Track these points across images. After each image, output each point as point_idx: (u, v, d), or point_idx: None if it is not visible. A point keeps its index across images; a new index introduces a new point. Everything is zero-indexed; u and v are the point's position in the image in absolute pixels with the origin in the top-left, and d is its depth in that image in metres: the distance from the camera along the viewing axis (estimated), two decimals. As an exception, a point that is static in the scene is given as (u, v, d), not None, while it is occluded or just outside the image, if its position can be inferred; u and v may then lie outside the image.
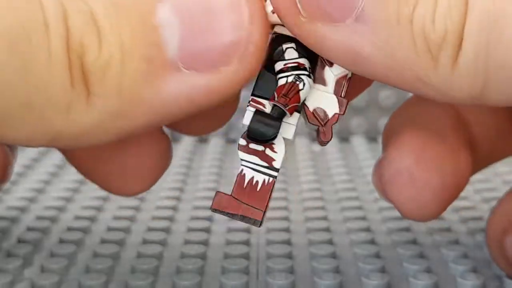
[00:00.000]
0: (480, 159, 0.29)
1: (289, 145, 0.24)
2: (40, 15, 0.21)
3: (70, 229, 0.33)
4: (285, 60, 0.24)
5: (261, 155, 0.24)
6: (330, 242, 0.32)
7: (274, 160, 0.24)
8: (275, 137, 0.24)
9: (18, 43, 0.21)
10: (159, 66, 0.22)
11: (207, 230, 0.33)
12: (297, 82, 0.23)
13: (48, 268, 0.29)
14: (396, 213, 0.35)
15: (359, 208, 0.37)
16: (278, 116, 0.24)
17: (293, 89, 0.23)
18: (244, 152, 0.24)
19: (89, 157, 0.27)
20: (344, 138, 0.51)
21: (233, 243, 0.32)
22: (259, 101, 0.24)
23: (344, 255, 0.31)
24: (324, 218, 0.35)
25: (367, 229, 0.34)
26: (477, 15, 0.21)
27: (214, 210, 0.24)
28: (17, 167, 0.42)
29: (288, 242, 0.32)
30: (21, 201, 0.37)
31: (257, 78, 0.24)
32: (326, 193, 0.39)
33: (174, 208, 0.36)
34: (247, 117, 0.24)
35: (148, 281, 0.28)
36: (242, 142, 0.24)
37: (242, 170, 0.24)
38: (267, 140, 0.24)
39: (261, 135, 0.24)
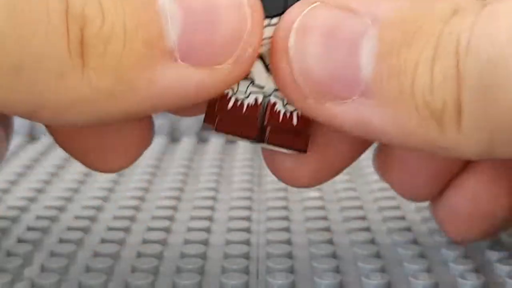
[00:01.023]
0: None
1: None
2: None
3: (70, 228, 0.33)
4: None
5: None
6: (330, 242, 0.32)
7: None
8: None
9: (15, 7, 0.21)
10: (157, 53, 0.22)
11: (207, 230, 0.33)
12: None
13: (48, 268, 0.29)
14: (396, 213, 0.35)
15: (359, 208, 0.37)
16: None
17: None
18: None
19: (69, 130, 0.26)
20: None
21: (233, 242, 0.32)
22: None
23: (344, 255, 0.31)
24: (324, 218, 0.35)
25: (367, 229, 0.34)
26: (470, 85, 0.22)
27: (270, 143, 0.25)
28: (17, 167, 0.42)
29: (288, 242, 0.32)
30: (21, 201, 0.37)
31: None
32: (326, 193, 0.39)
33: (174, 208, 0.36)
34: None
35: (148, 281, 0.28)
36: None
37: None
38: None
39: None
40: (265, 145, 0.26)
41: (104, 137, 0.26)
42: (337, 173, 0.28)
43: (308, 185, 0.28)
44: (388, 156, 0.29)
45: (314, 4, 0.24)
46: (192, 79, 0.23)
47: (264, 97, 0.25)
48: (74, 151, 0.27)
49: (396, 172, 0.29)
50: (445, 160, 0.28)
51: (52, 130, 0.27)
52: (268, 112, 0.25)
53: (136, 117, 0.24)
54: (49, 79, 0.21)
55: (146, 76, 0.22)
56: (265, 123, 0.25)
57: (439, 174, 0.29)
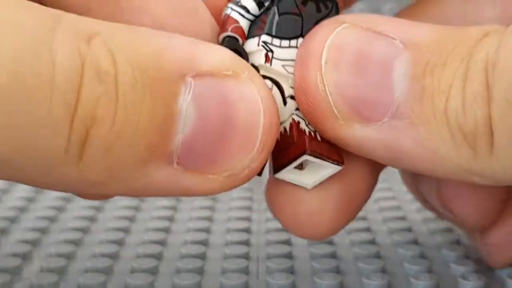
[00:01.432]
0: None
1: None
2: (46, 72, 0.19)
3: (69, 229, 0.33)
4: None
5: None
6: (330, 242, 0.32)
7: None
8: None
9: (13, 95, 0.19)
10: (157, 156, 0.21)
11: (207, 230, 0.33)
12: None
13: (47, 268, 0.29)
14: (397, 213, 0.35)
15: (359, 208, 0.37)
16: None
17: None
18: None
19: None
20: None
21: (233, 243, 0.32)
22: None
23: (345, 255, 0.31)
24: (325, 219, 0.35)
25: (368, 229, 0.34)
26: (499, 102, 0.21)
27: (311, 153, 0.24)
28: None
29: (288, 242, 0.32)
30: (21, 201, 0.37)
31: None
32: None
33: (173, 208, 0.36)
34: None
35: (148, 281, 0.28)
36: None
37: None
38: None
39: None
40: (306, 158, 0.24)
41: None
42: (358, 211, 0.27)
43: (326, 233, 0.26)
44: (449, 186, 0.28)
45: (345, 25, 0.23)
46: (182, 182, 0.22)
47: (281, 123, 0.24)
48: None
49: (460, 202, 0.27)
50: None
51: None
52: (295, 130, 0.24)
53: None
54: (38, 174, 0.20)
55: (139, 174, 0.21)
56: (295, 140, 0.24)
57: (496, 199, 0.27)
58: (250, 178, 0.22)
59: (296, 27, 0.24)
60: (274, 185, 0.25)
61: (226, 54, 0.22)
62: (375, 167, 0.26)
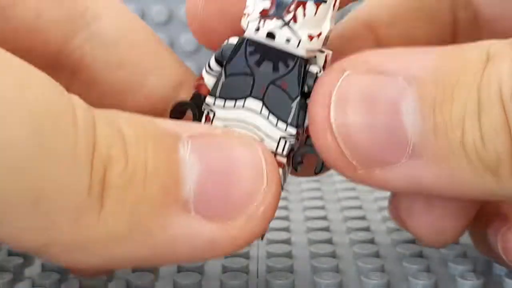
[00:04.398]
0: None
1: None
2: (70, 114, 0.20)
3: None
4: None
5: None
6: (330, 241, 0.32)
7: None
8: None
9: (43, 135, 0.20)
10: (172, 201, 0.22)
11: (207, 230, 0.33)
12: None
13: (49, 267, 0.29)
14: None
15: (359, 207, 0.37)
16: None
17: None
18: None
19: None
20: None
21: (233, 242, 0.32)
22: None
23: (344, 254, 0.31)
24: (324, 218, 0.35)
25: (367, 229, 0.34)
26: None
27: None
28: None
29: (288, 242, 0.32)
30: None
31: None
32: (326, 192, 0.39)
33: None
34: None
35: (149, 280, 0.28)
36: None
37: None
38: None
39: None
40: None
41: None
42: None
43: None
44: (409, 201, 0.28)
45: (346, 73, 0.23)
46: (203, 233, 0.22)
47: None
48: None
49: (420, 217, 0.27)
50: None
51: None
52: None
53: (145, 266, 0.24)
54: (64, 216, 0.20)
55: (160, 223, 0.22)
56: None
57: (466, 211, 0.27)
58: (269, 216, 0.23)
59: (245, 87, 0.24)
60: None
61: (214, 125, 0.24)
62: None
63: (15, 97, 0.20)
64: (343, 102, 0.23)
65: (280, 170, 0.24)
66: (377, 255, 0.31)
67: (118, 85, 0.26)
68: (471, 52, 0.22)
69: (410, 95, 0.22)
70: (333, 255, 0.31)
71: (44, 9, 0.25)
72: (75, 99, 0.21)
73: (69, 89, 0.25)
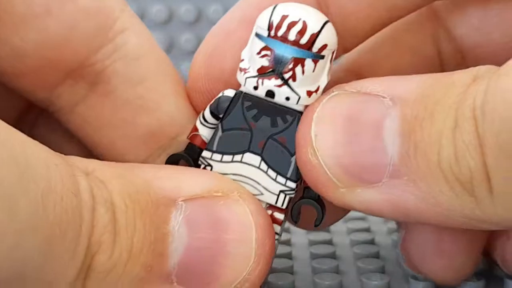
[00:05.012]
0: None
1: None
2: (78, 211, 0.20)
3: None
4: None
5: None
6: (330, 242, 0.32)
7: None
8: None
9: (52, 237, 0.20)
10: (156, 276, 0.22)
11: (207, 230, 0.33)
12: None
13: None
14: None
15: (359, 208, 0.37)
16: None
17: None
18: None
19: None
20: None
21: (233, 243, 0.32)
22: None
23: (344, 255, 0.31)
24: (324, 219, 0.35)
25: (367, 230, 0.34)
26: (491, 147, 0.21)
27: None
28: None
29: (288, 243, 0.32)
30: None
31: None
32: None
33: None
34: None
35: None
36: None
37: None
38: None
39: None
40: None
41: None
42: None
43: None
44: (420, 247, 0.27)
45: (333, 93, 0.23)
46: None
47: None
48: None
49: (433, 261, 0.27)
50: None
51: None
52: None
53: None
54: None
55: None
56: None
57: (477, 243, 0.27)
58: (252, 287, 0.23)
59: (243, 142, 0.24)
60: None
61: (214, 176, 0.23)
62: None
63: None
64: (326, 119, 0.23)
65: (278, 228, 0.24)
66: (377, 256, 0.31)
67: (135, 101, 0.26)
68: (459, 74, 0.22)
69: (393, 114, 0.22)
70: (333, 256, 0.31)
71: (80, 21, 0.25)
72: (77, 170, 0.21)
73: (85, 100, 0.26)
